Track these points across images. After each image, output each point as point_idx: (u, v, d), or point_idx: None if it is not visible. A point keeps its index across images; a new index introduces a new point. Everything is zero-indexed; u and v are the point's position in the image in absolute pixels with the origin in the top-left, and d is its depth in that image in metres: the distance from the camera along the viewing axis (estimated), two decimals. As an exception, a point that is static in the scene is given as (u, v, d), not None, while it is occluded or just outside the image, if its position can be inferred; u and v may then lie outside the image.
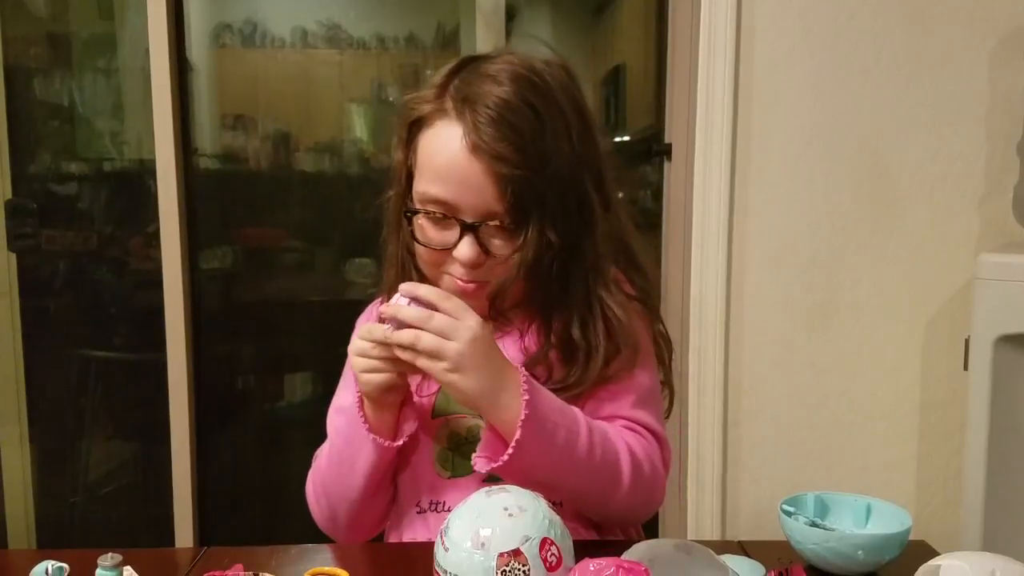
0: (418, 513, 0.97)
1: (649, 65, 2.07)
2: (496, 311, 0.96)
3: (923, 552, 0.88)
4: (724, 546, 0.89)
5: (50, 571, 0.77)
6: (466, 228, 0.89)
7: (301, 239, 2.17)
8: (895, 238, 1.76)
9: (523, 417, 0.82)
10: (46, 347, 2.15)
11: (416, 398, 0.97)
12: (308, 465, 1.02)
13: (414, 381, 0.97)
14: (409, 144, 0.94)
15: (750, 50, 1.72)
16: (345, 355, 0.96)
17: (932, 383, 1.79)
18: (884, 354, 1.79)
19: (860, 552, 0.81)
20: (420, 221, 0.92)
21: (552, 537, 0.68)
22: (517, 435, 0.82)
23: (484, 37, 1.97)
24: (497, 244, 0.90)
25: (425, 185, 0.90)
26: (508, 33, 2.00)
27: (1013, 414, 1.47)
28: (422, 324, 0.83)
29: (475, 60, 0.94)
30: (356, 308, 1.11)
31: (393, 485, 0.99)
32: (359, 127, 2.19)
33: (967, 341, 1.50)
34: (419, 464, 0.97)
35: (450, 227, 0.90)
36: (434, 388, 0.98)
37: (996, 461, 1.47)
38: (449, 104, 0.90)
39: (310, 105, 2.17)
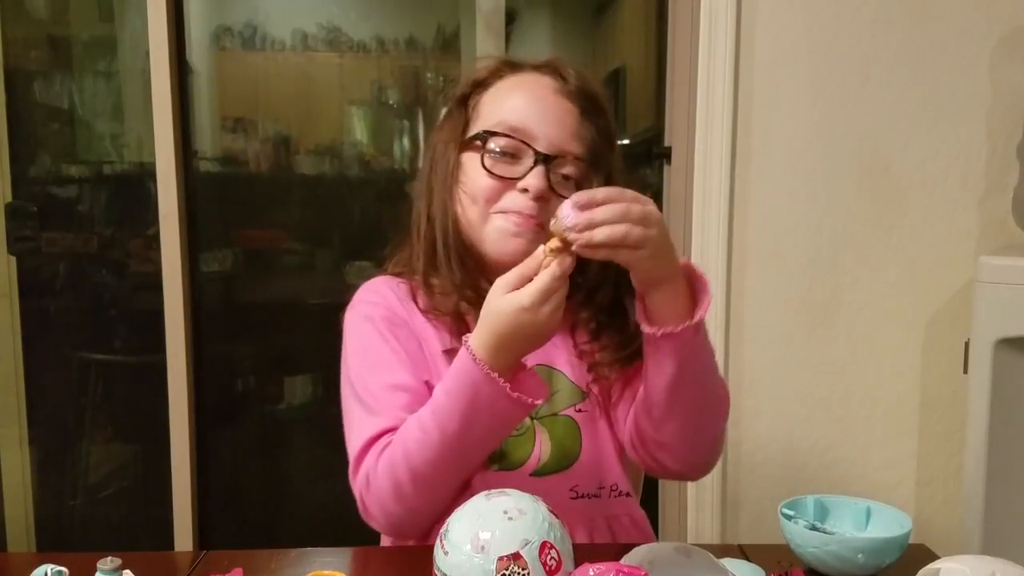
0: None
1: (649, 67, 2.07)
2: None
3: (923, 555, 0.88)
4: (724, 549, 0.88)
5: (49, 574, 0.77)
6: (539, 159, 0.94)
7: (301, 241, 2.17)
8: (895, 238, 1.76)
9: (709, 298, 0.85)
10: (46, 349, 2.14)
11: None
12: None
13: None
14: (467, 102, 1.00)
15: (750, 52, 1.72)
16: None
17: (932, 382, 1.78)
18: (884, 353, 1.79)
19: (860, 556, 0.81)
20: (486, 153, 0.96)
21: (552, 540, 0.67)
22: (703, 308, 0.84)
23: (484, 39, 1.97)
24: (563, 184, 0.95)
25: (501, 116, 0.96)
26: (508, 35, 2.00)
27: (1013, 417, 1.46)
28: (624, 216, 0.80)
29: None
30: (356, 311, 1.10)
31: None
32: (359, 129, 2.19)
33: (967, 344, 1.49)
34: None
35: (518, 161, 0.95)
36: None
37: (996, 464, 1.47)
38: (526, 66, 0.99)
39: (310, 107, 2.17)
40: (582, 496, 0.99)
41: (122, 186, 2.13)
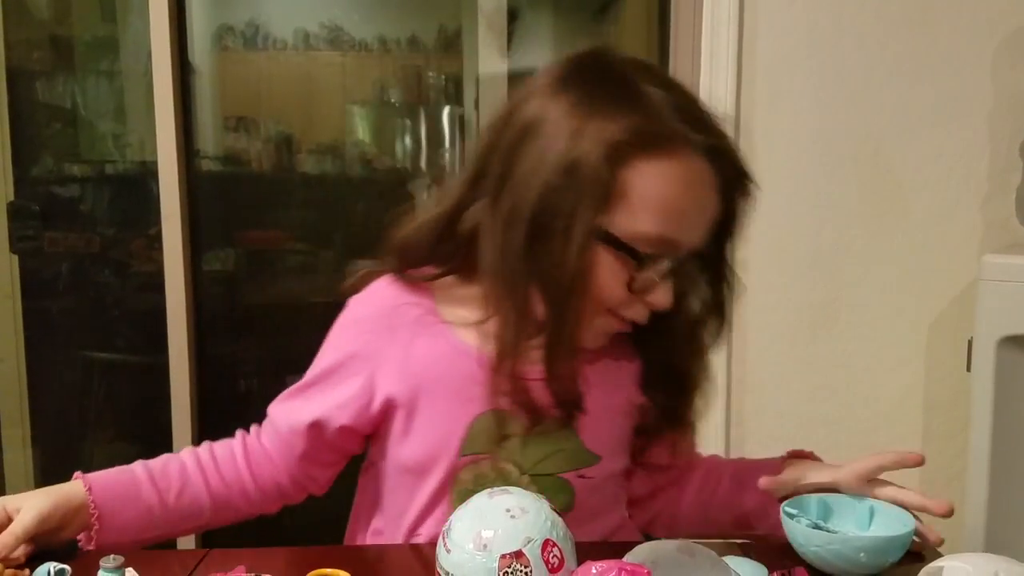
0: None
1: (651, 67, 2.06)
2: None
3: (926, 554, 0.88)
4: (727, 548, 0.88)
5: (52, 573, 0.77)
6: (674, 269, 0.82)
7: (303, 241, 2.17)
8: (898, 238, 1.76)
9: None
10: (48, 349, 2.15)
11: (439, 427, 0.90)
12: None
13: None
14: (617, 163, 0.78)
15: (752, 53, 1.72)
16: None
17: (935, 382, 1.78)
18: (887, 353, 1.79)
19: (863, 554, 0.81)
20: (617, 259, 0.80)
21: (554, 538, 0.67)
22: None
23: (486, 39, 1.97)
24: (685, 282, 0.88)
25: (658, 219, 0.79)
26: (510, 35, 2.00)
27: (1016, 415, 1.46)
28: None
29: (648, 70, 0.83)
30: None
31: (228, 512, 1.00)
32: (361, 129, 2.20)
33: (970, 342, 1.49)
34: (435, 502, 0.92)
35: (651, 267, 0.81)
36: (469, 418, 0.89)
37: (999, 462, 1.47)
38: (692, 142, 0.79)
39: (312, 107, 2.17)
40: None
41: (124, 186, 2.13)
